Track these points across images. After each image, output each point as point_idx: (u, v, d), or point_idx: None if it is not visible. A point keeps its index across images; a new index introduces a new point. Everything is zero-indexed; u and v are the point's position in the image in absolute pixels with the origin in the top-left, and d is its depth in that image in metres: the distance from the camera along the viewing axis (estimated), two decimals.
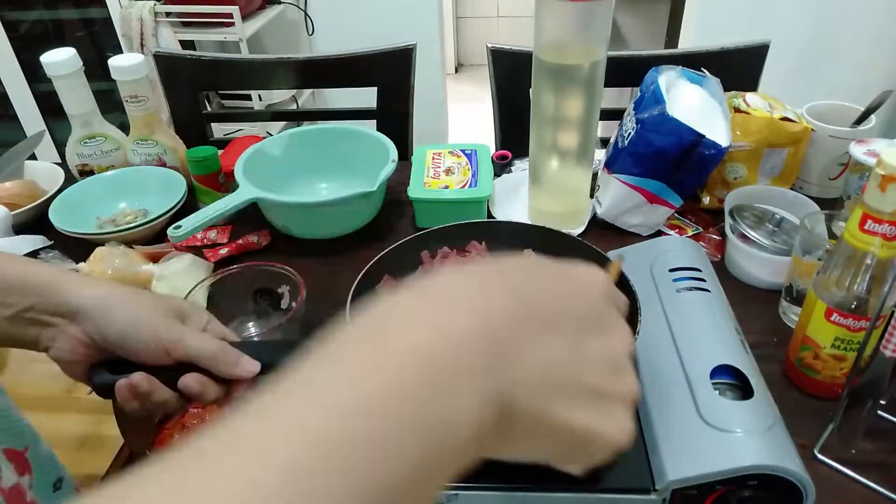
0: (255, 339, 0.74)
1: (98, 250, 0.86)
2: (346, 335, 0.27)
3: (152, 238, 0.95)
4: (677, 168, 0.86)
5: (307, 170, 1.02)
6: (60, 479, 0.50)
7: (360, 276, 0.63)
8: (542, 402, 0.29)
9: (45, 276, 0.48)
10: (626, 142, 0.89)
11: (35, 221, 0.98)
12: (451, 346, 0.26)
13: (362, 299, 0.62)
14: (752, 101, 0.95)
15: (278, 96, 2.49)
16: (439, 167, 0.97)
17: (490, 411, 0.26)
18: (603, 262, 0.65)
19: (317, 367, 0.26)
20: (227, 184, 0.99)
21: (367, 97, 1.32)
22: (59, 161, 1.10)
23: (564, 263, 0.34)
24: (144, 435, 0.59)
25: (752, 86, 1.22)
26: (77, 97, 1.00)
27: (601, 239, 0.91)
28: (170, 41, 2.11)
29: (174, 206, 0.96)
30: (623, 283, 0.61)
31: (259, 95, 2.39)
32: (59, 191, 0.99)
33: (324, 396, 0.24)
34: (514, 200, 0.99)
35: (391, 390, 0.24)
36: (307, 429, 0.22)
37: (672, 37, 2.28)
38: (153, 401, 0.48)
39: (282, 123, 2.16)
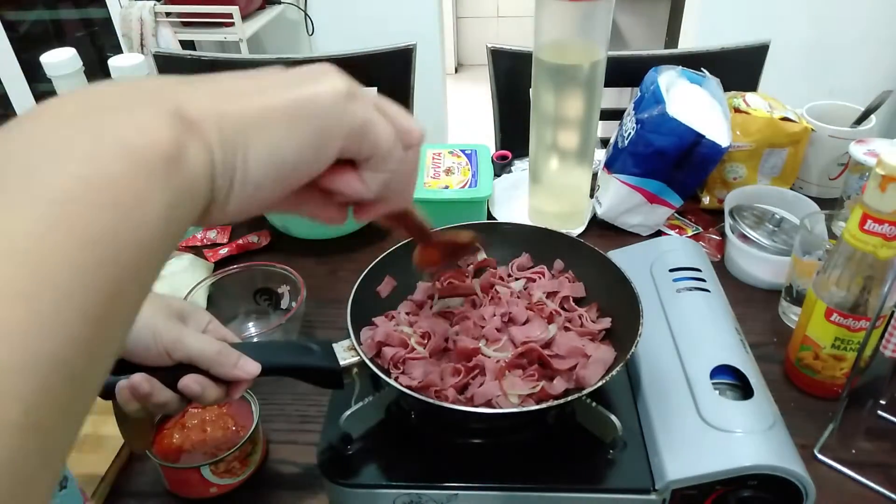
0: (255, 339, 0.74)
1: None
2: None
3: None
4: (677, 168, 0.86)
5: None
6: (66, 478, 0.51)
7: (359, 280, 0.63)
8: (234, 106, 0.30)
9: None
10: (626, 142, 0.89)
11: None
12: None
13: (362, 302, 0.62)
14: (752, 101, 0.95)
15: None
16: (439, 167, 0.97)
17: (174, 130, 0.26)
18: (602, 262, 0.65)
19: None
20: None
21: None
22: None
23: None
24: (144, 435, 0.59)
25: (752, 86, 1.22)
26: None
27: (601, 239, 0.91)
28: (170, 41, 2.11)
29: None
30: (623, 284, 0.61)
31: None
32: None
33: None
34: (514, 200, 0.99)
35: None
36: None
37: (672, 37, 2.28)
38: (153, 402, 0.48)
39: None
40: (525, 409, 0.53)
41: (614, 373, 0.52)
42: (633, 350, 0.54)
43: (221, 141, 0.28)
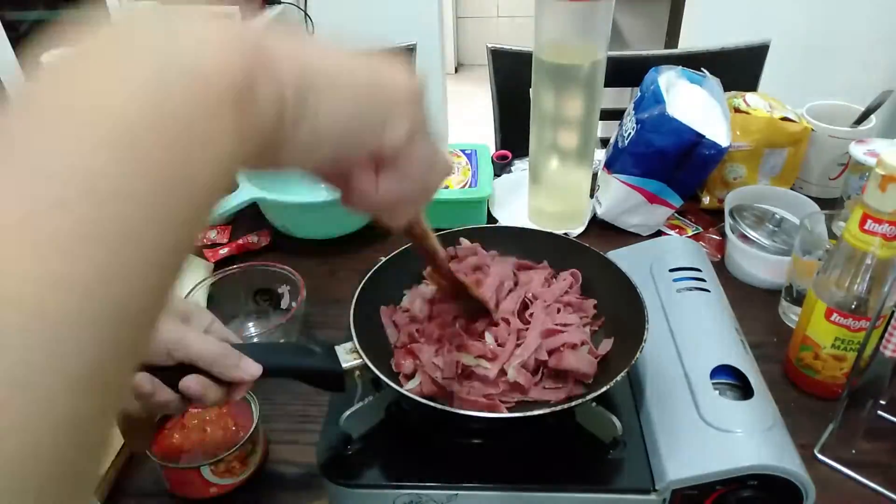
0: (255, 339, 0.74)
1: None
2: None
3: None
4: (677, 168, 0.86)
5: None
6: None
7: (360, 284, 0.62)
8: (311, 68, 0.28)
9: None
10: (626, 142, 0.89)
11: None
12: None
13: (364, 307, 0.62)
14: (752, 101, 0.95)
15: None
16: None
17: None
18: (602, 262, 0.65)
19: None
20: None
21: None
22: None
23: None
24: (144, 435, 0.59)
25: (752, 86, 1.22)
26: None
27: (601, 239, 0.91)
28: None
29: None
30: (628, 289, 0.61)
31: None
32: None
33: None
34: (514, 200, 0.99)
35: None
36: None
37: (672, 37, 2.27)
38: (155, 401, 0.47)
39: None
40: (525, 413, 0.53)
41: (619, 378, 0.52)
42: (638, 355, 0.53)
43: (297, 83, 0.27)
